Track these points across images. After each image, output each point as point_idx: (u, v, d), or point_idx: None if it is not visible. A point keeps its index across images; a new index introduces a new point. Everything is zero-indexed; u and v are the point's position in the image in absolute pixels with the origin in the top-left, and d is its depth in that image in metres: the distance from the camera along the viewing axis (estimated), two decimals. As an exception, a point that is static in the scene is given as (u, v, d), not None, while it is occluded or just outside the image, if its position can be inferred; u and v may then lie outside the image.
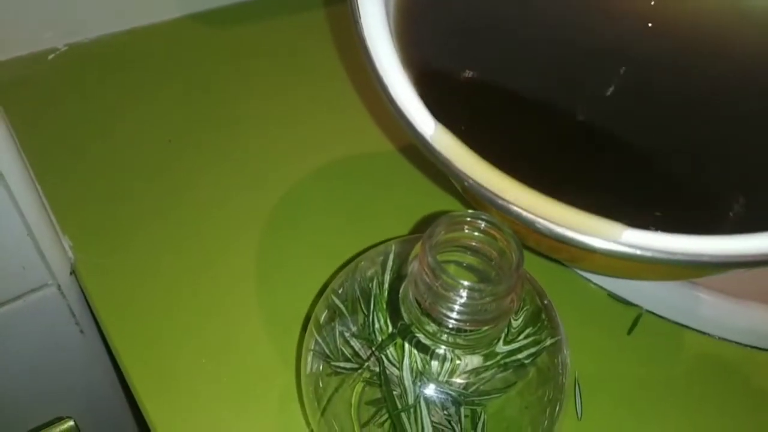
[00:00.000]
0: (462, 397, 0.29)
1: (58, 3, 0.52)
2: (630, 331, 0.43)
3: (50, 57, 0.54)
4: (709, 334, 0.43)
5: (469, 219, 0.26)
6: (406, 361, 0.29)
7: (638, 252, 0.22)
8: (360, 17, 0.24)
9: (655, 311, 0.43)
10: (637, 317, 0.43)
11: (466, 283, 0.24)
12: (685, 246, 0.21)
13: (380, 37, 0.23)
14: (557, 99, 0.24)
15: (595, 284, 0.45)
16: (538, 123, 0.24)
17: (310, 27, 0.60)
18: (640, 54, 0.25)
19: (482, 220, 0.26)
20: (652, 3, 0.25)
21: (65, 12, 0.53)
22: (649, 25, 0.25)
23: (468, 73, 0.25)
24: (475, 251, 0.27)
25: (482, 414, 0.30)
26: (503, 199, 0.24)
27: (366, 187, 0.49)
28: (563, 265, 0.45)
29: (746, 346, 0.43)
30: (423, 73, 0.23)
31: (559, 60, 0.25)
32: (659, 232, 0.22)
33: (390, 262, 0.31)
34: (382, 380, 0.29)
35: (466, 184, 0.24)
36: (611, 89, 0.24)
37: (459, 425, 0.29)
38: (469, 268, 0.28)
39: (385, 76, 0.23)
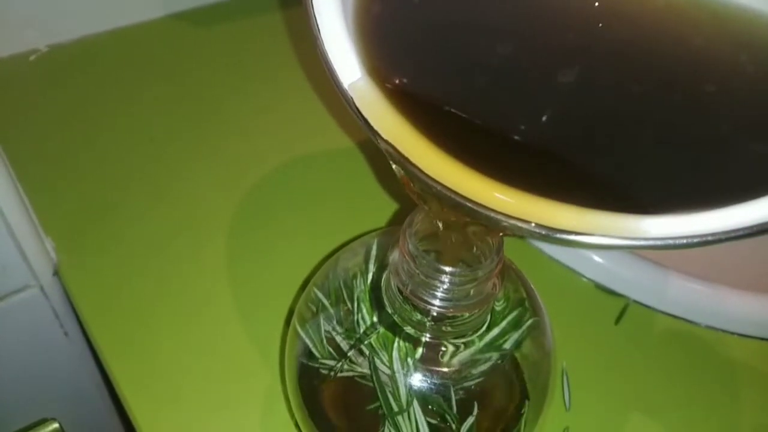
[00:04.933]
0: (451, 386, 0.29)
1: (38, 3, 0.51)
2: (617, 321, 0.43)
3: (31, 58, 0.54)
4: (696, 323, 0.43)
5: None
6: (395, 353, 0.29)
7: (671, 242, 0.18)
8: None
9: (642, 301, 0.43)
10: (624, 307, 0.43)
11: (447, 268, 0.24)
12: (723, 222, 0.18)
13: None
14: (516, 101, 0.24)
15: (582, 275, 0.45)
16: (497, 126, 0.22)
17: (293, 25, 0.60)
18: (597, 51, 0.24)
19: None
20: (596, 4, 0.25)
21: (46, 12, 0.52)
22: (600, 25, 0.24)
23: (424, 78, 0.23)
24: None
25: (474, 403, 0.29)
26: (431, 178, 0.19)
27: (345, 180, 0.48)
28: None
29: (733, 334, 0.43)
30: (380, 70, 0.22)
31: (516, 62, 0.24)
32: (680, 213, 0.18)
33: (373, 252, 0.31)
34: (372, 373, 0.29)
35: (382, 147, 0.19)
36: (567, 89, 0.23)
37: (450, 415, 0.29)
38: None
39: (320, 19, 0.20)
